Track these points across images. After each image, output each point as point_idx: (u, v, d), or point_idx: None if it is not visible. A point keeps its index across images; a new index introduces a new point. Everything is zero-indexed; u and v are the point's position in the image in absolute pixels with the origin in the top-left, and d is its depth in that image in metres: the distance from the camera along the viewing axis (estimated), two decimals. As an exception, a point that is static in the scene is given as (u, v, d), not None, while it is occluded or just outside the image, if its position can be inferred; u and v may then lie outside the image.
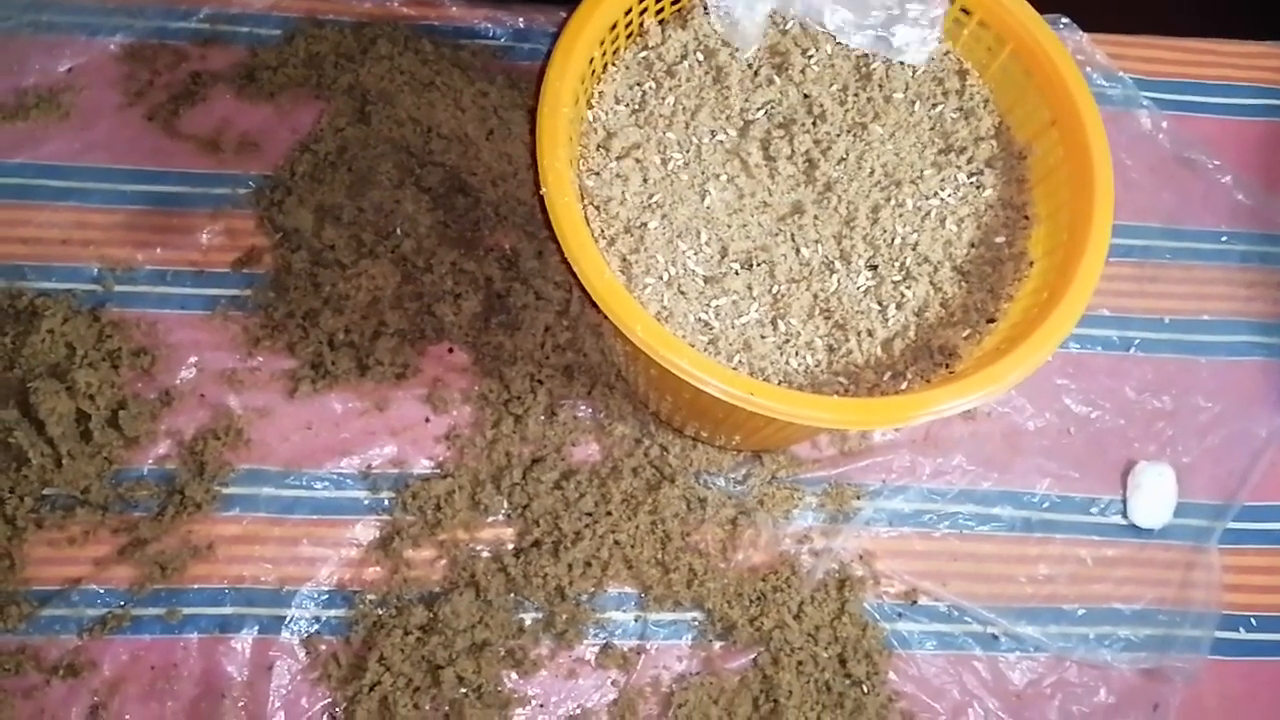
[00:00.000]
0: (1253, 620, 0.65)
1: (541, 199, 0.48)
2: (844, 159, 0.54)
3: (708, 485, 0.63)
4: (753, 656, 0.60)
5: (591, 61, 0.53)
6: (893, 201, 0.53)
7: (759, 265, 0.52)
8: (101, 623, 0.58)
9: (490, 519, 0.62)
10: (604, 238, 0.52)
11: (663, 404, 0.60)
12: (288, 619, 0.59)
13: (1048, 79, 0.54)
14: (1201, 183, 0.73)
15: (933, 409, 0.47)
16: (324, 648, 0.59)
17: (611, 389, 0.64)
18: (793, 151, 0.54)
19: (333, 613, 0.60)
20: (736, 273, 0.52)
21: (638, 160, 0.53)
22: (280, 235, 0.66)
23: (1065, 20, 0.72)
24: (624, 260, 0.52)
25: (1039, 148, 0.55)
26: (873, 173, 0.54)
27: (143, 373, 0.63)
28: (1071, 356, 0.69)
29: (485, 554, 0.61)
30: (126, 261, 0.65)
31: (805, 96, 0.55)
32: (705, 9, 0.55)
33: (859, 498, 0.64)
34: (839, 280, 0.52)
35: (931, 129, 0.55)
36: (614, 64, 0.56)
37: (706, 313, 0.51)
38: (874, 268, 0.53)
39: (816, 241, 0.53)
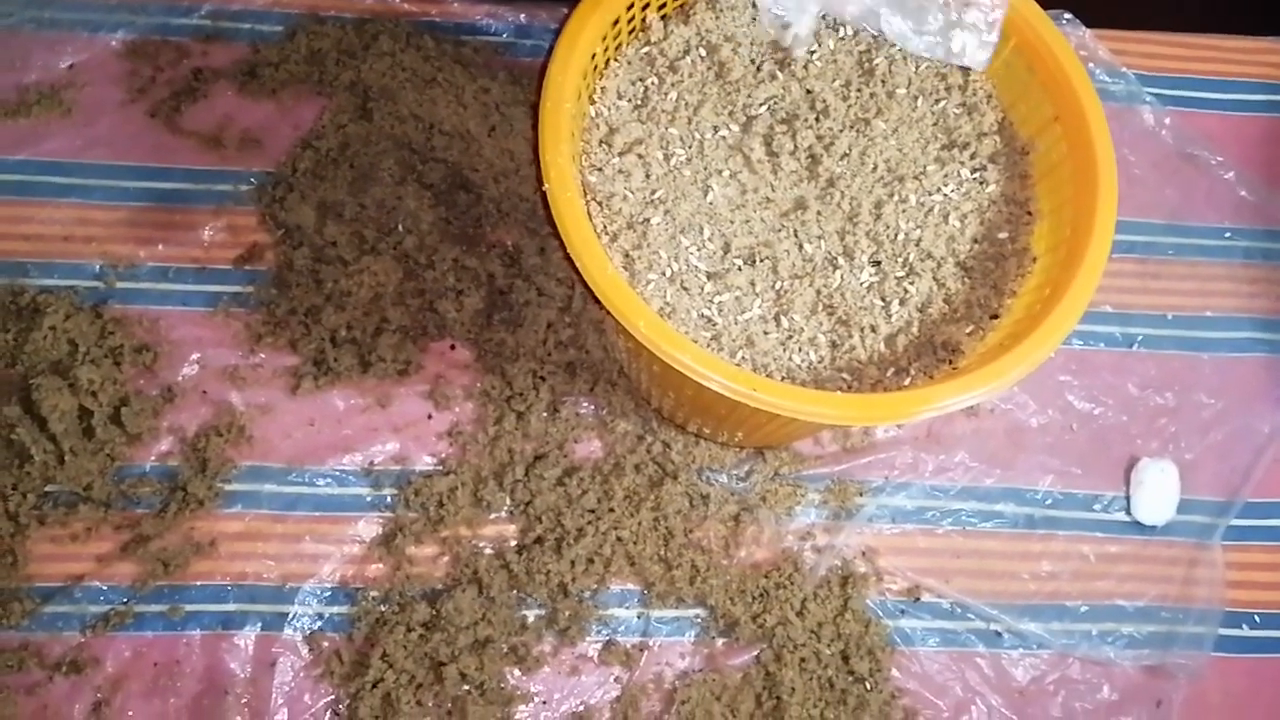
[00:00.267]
0: (1256, 617, 0.65)
1: (544, 195, 0.48)
2: (847, 155, 0.54)
3: (710, 482, 0.63)
4: (755, 653, 0.60)
5: (594, 57, 0.53)
6: (896, 197, 0.53)
7: (762, 261, 0.52)
8: (104, 619, 0.58)
9: (493, 516, 0.62)
10: (606, 234, 0.52)
11: (665, 400, 0.60)
12: (290, 616, 0.59)
13: (1051, 74, 0.54)
14: (1205, 179, 0.73)
15: (936, 405, 0.47)
16: (327, 644, 0.59)
17: (614, 386, 0.64)
18: (795, 147, 0.54)
19: (335, 609, 0.60)
20: (739, 269, 0.52)
21: (640, 156, 0.53)
22: (282, 232, 0.66)
23: (1068, 16, 0.72)
24: (626, 256, 0.52)
25: (1042, 143, 0.55)
26: (876, 168, 0.54)
27: (145, 369, 0.63)
28: (1074, 353, 0.69)
29: (488, 551, 0.61)
30: (129, 258, 0.65)
31: (808, 92, 0.55)
32: (754, 5, 0.54)
33: (862, 494, 0.64)
34: (842, 276, 0.52)
35: (934, 125, 0.55)
36: (616, 59, 0.56)
37: (709, 309, 0.51)
38: (877, 263, 0.53)
39: (819, 237, 0.53)
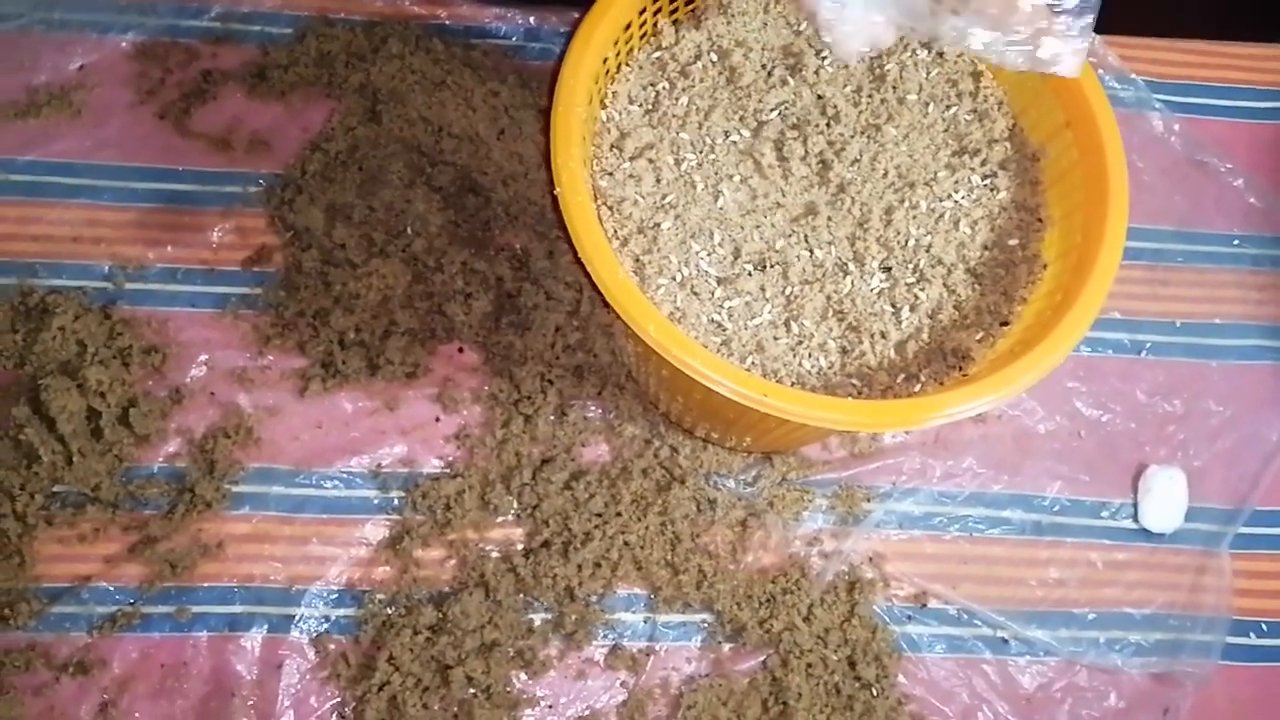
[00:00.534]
0: (1264, 626, 0.64)
1: (555, 199, 0.48)
2: (858, 160, 0.54)
3: (718, 487, 0.63)
4: (762, 659, 0.60)
5: (605, 61, 0.53)
6: (906, 203, 0.53)
7: (772, 266, 0.52)
8: (111, 620, 0.58)
9: (500, 519, 0.62)
10: (617, 238, 0.52)
11: (673, 405, 0.60)
12: (297, 618, 0.59)
13: (1062, 81, 0.54)
14: (1214, 185, 0.73)
15: (946, 412, 0.47)
16: (333, 647, 0.59)
17: (622, 390, 0.64)
18: (806, 152, 0.53)
19: (342, 612, 0.60)
20: (750, 274, 0.52)
21: (651, 161, 0.53)
22: (291, 234, 0.66)
23: (1078, 22, 0.72)
24: (637, 261, 0.52)
25: (1053, 150, 0.55)
26: (886, 174, 0.54)
27: (153, 370, 0.63)
28: (1082, 359, 0.69)
29: (495, 554, 0.61)
30: (137, 259, 0.65)
31: (819, 97, 0.55)
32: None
33: (869, 500, 0.64)
34: (852, 282, 0.52)
35: (945, 131, 0.55)
36: (628, 64, 0.56)
37: (719, 314, 0.51)
38: (887, 270, 0.53)
39: (830, 243, 0.53)
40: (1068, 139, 0.54)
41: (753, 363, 0.51)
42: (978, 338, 0.52)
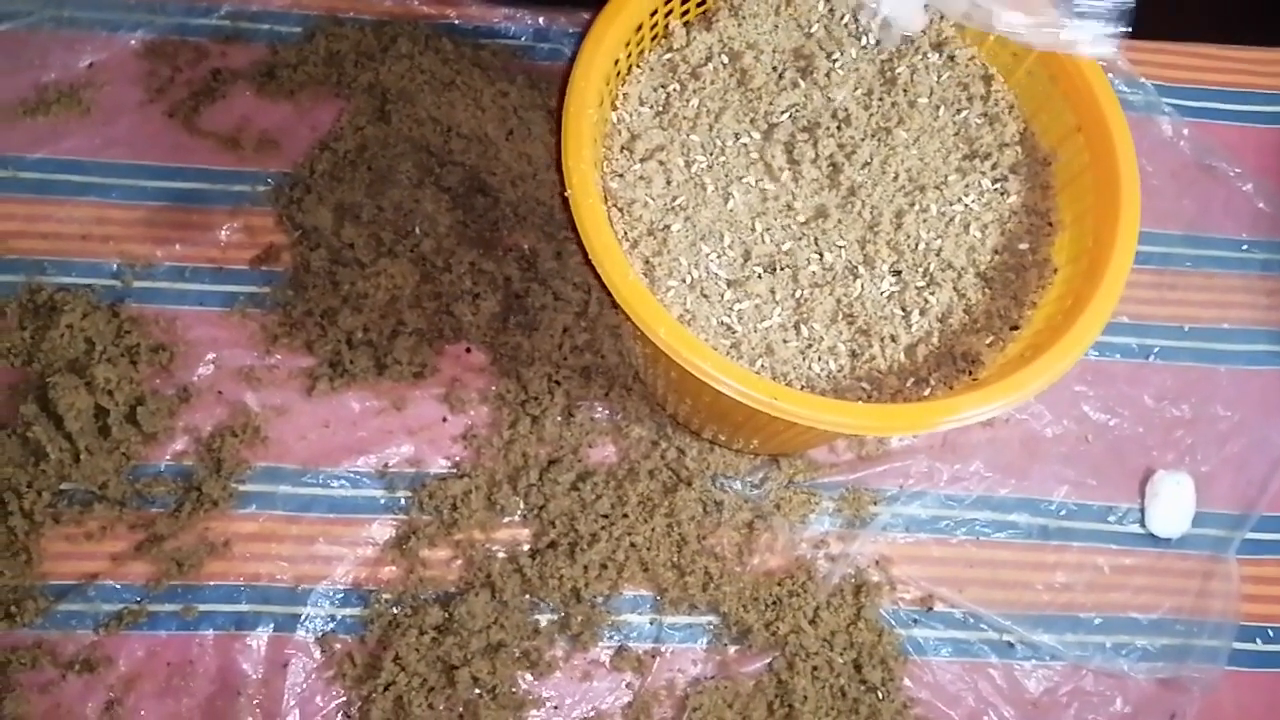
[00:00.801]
0: (1270, 631, 0.64)
1: (565, 200, 0.48)
2: (868, 163, 0.54)
3: (724, 488, 0.63)
4: (768, 661, 0.60)
5: (616, 63, 0.53)
6: (917, 207, 0.53)
7: (782, 269, 0.52)
8: (118, 618, 0.58)
9: (506, 520, 0.62)
10: (627, 240, 0.52)
11: (681, 407, 0.60)
12: (303, 617, 0.59)
13: (1073, 84, 0.54)
14: (1222, 189, 0.73)
15: (956, 416, 0.47)
16: (339, 646, 0.59)
17: (629, 391, 0.64)
18: (817, 155, 0.53)
19: (348, 611, 0.60)
20: (759, 276, 0.52)
21: (661, 162, 0.53)
22: (299, 233, 0.66)
23: (1088, 26, 0.72)
24: (647, 263, 0.52)
25: (1064, 154, 0.55)
26: (897, 177, 0.54)
27: (161, 369, 0.63)
28: (1090, 364, 0.69)
29: (501, 555, 0.61)
30: (146, 258, 0.65)
31: (829, 100, 0.55)
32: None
33: (876, 503, 0.64)
34: (862, 285, 0.52)
35: (956, 134, 0.55)
36: (639, 65, 0.56)
37: (729, 316, 0.51)
38: (898, 273, 0.53)
39: (840, 246, 0.53)
40: (1079, 143, 0.54)
41: (762, 365, 0.51)
42: (988, 342, 0.52)
